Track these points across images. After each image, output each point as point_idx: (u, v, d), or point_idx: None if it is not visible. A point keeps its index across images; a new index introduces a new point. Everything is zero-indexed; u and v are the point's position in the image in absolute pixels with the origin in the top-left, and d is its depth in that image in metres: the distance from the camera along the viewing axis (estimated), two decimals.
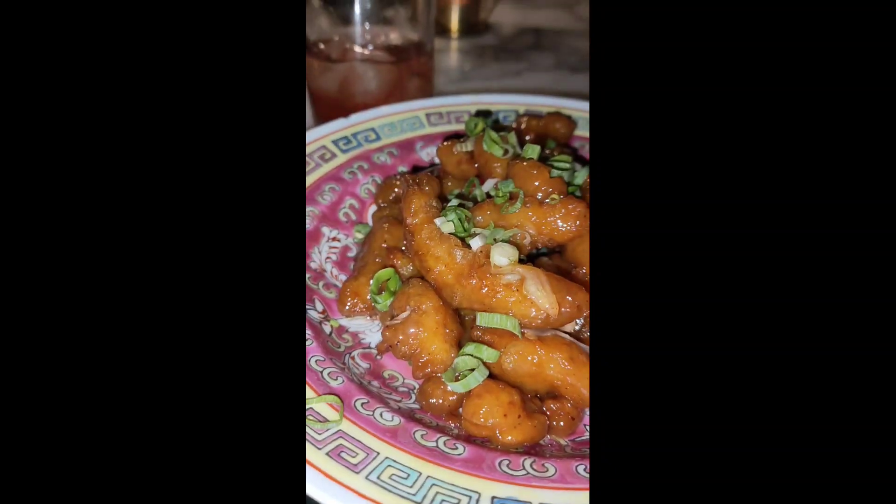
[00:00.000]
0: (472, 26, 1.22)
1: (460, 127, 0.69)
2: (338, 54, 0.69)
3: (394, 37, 0.73)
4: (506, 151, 0.51)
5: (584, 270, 0.44)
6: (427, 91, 0.76)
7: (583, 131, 0.69)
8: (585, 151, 0.67)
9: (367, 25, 0.72)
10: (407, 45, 0.73)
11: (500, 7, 1.28)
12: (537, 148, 0.47)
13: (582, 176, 0.49)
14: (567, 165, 0.49)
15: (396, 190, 0.58)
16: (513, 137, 0.53)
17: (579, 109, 0.71)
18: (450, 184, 0.57)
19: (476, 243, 0.43)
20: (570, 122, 0.65)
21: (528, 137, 0.63)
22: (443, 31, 1.20)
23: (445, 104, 0.71)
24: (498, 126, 0.59)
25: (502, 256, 0.41)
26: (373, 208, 0.60)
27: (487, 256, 0.42)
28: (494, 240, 0.43)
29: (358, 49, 0.70)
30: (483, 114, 0.66)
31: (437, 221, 0.45)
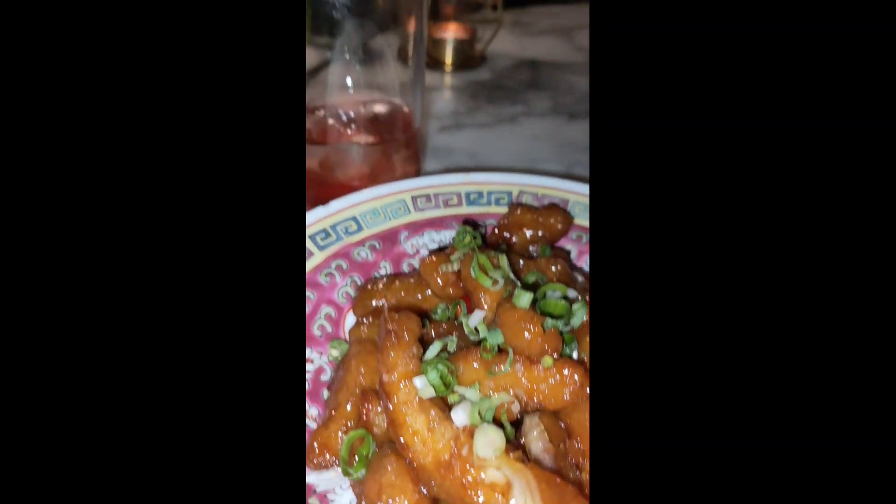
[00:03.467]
0: (468, 59, 1.16)
1: (449, 212, 0.64)
2: (318, 133, 0.64)
3: (379, 107, 0.68)
4: (495, 282, 0.46)
5: (580, 444, 0.39)
6: (414, 164, 0.71)
7: (581, 220, 0.63)
8: (582, 247, 0.62)
9: (352, 95, 0.66)
10: (394, 117, 0.67)
11: (496, 36, 1.22)
12: (529, 295, 0.42)
13: (579, 317, 0.44)
14: (563, 306, 0.44)
15: (375, 301, 0.53)
16: (504, 261, 0.48)
17: (577, 193, 0.66)
18: (430, 293, 0.52)
19: (459, 417, 0.38)
20: (567, 216, 0.60)
21: (519, 235, 0.58)
22: (436, 64, 1.14)
23: (433, 185, 0.65)
24: (485, 241, 0.54)
25: (487, 447, 0.36)
26: (350, 317, 0.55)
27: (471, 437, 0.37)
28: (479, 414, 0.38)
29: (341, 127, 0.65)
30: (472, 224, 0.61)
31: (417, 383, 0.40)
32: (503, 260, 0.48)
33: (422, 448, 0.38)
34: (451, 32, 1.13)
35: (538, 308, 0.44)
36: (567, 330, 0.44)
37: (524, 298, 0.42)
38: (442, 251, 0.52)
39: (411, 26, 0.64)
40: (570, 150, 0.93)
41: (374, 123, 0.66)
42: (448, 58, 1.15)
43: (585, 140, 0.95)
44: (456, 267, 0.50)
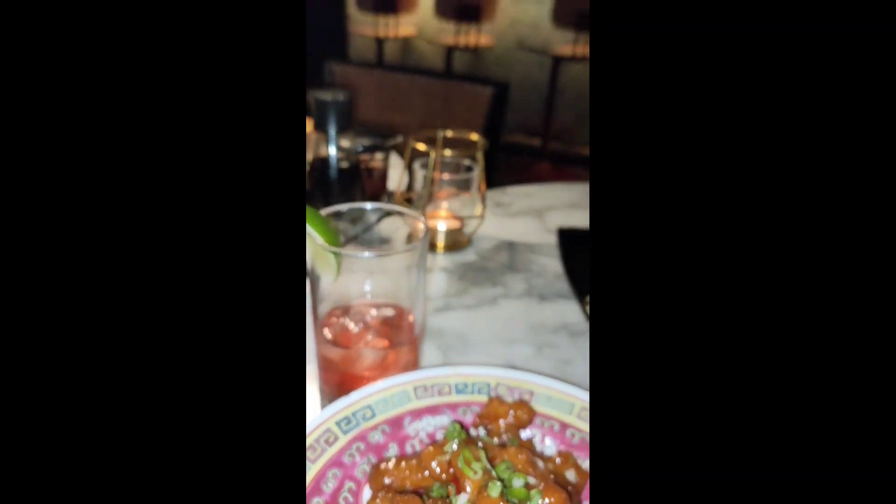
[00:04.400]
0: (456, 243, 1.40)
1: (442, 400, 0.83)
2: (342, 338, 0.84)
3: (389, 312, 0.88)
4: (476, 472, 0.64)
5: None
6: (414, 352, 0.91)
7: (543, 409, 0.83)
8: (545, 431, 0.81)
9: (368, 301, 0.87)
10: (401, 322, 0.88)
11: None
12: (500, 487, 0.61)
13: (535, 501, 0.62)
14: (524, 493, 0.62)
15: (387, 479, 0.71)
16: (483, 455, 0.66)
17: (542, 385, 0.85)
18: (428, 475, 0.70)
19: None
20: (531, 410, 0.79)
21: (494, 424, 0.77)
22: (431, 247, 1.38)
23: (430, 377, 0.85)
24: (470, 439, 0.73)
25: None
26: (366, 490, 0.73)
27: None
28: None
29: (360, 333, 0.85)
30: (460, 423, 0.80)
31: None
32: (482, 454, 0.66)
33: None
34: (443, 223, 1.38)
35: (506, 495, 0.62)
36: None
37: (496, 490, 0.60)
38: (437, 443, 0.71)
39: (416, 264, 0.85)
40: (541, 331, 1.14)
41: (385, 328, 0.86)
42: (441, 242, 1.38)
43: (554, 321, 1.17)
44: (448, 457, 0.68)
